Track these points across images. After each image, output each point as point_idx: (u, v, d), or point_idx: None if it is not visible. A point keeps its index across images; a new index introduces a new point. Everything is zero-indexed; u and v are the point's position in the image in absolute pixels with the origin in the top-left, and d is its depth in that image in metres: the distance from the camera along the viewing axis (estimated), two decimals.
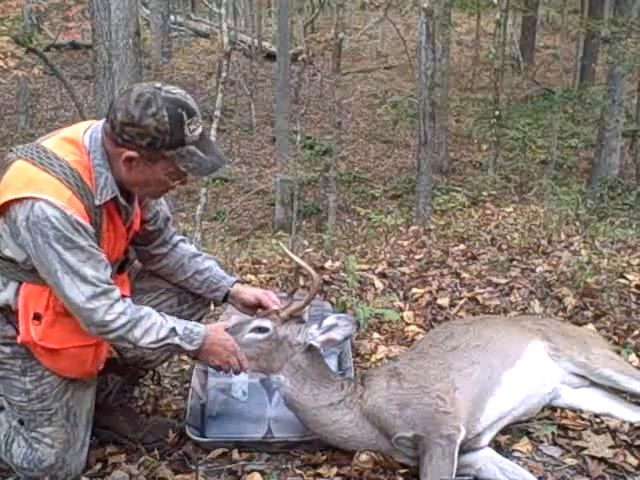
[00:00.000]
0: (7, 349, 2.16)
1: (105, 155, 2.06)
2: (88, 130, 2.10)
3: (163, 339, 2.12)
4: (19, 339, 2.10)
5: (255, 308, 2.45)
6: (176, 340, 2.14)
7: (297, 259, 2.36)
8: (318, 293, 2.42)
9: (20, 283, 2.09)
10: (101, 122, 2.11)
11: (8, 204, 1.98)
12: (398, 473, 2.23)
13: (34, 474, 2.24)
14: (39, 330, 2.08)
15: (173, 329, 2.13)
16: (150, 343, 2.11)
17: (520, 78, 18.61)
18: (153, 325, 2.10)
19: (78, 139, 2.08)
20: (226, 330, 2.31)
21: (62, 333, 2.09)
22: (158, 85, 2.02)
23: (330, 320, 2.33)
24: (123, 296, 2.11)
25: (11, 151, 2.09)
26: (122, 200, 2.14)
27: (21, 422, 2.25)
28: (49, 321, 2.08)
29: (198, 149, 2.04)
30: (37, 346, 2.10)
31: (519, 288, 4.02)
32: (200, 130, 2.05)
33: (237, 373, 2.31)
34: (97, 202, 2.05)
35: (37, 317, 2.08)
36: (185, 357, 2.99)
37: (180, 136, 1.99)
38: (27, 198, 1.94)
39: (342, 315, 2.41)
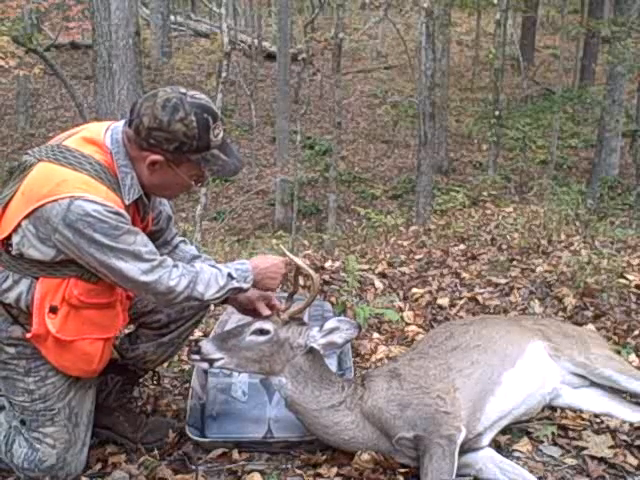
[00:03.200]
0: (11, 349, 2.17)
1: (128, 155, 2.08)
2: (108, 131, 2.11)
3: (224, 286, 2.20)
4: (31, 332, 2.10)
5: (252, 311, 2.45)
6: (234, 284, 2.22)
7: (297, 260, 2.36)
8: (318, 294, 2.41)
9: (35, 278, 2.09)
10: (119, 123, 2.13)
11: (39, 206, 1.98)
12: (398, 473, 2.23)
13: (35, 474, 2.24)
14: (56, 322, 2.08)
15: (229, 275, 2.21)
16: (214, 294, 2.18)
17: (520, 78, 18.60)
18: (211, 276, 2.18)
19: (99, 139, 2.09)
20: (224, 335, 2.34)
21: (76, 325, 2.11)
22: (183, 90, 2.05)
23: (332, 323, 2.33)
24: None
25: (27, 154, 2.09)
26: (145, 199, 2.18)
27: (22, 422, 2.26)
28: (64, 313, 2.09)
29: (221, 152, 2.09)
30: (49, 338, 2.10)
31: (519, 288, 4.02)
32: (222, 134, 2.09)
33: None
34: (126, 202, 2.08)
35: (53, 310, 2.08)
36: (185, 357, 2.99)
37: (206, 140, 2.04)
38: (63, 198, 1.95)
39: (344, 319, 2.41)
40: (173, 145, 2.01)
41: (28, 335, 2.11)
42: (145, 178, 2.10)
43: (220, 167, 2.10)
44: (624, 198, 11.90)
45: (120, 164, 2.07)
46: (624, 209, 10.84)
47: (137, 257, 2.03)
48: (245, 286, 2.25)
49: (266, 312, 2.38)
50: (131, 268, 2.03)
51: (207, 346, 2.27)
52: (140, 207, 2.20)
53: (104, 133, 2.11)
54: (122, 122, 2.12)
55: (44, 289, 2.08)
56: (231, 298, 2.47)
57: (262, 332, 2.30)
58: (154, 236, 2.40)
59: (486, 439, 2.31)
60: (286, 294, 2.50)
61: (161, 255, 2.42)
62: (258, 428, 2.49)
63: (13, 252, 2.07)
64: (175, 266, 2.13)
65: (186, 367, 3.13)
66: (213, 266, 2.24)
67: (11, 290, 2.11)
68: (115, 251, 2.00)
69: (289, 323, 2.34)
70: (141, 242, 2.06)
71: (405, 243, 5.69)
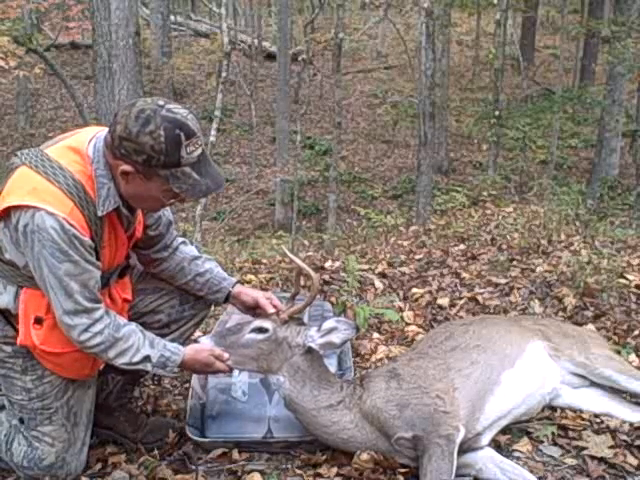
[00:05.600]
0: (8, 348, 2.17)
1: (107, 165, 2.06)
2: (93, 140, 2.09)
3: (135, 363, 2.15)
4: (18, 341, 2.11)
5: (255, 309, 2.46)
6: (148, 367, 2.17)
7: (297, 260, 2.36)
8: (318, 294, 2.41)
9: (20, 287, 2.10)
10: (106, 130, 2.10)
11: (9, 209, 1.99)
12: (398, 473, 2.23)
13: (34, 473, 2.25)
14: (40, 334, 2.09)
15: (147, 357, 2.15)
16: (122, 364, 2.14)
17: (520, 78, 18.61)
18: (129, 348, 2.13)
19: (83, 148, 2.07)
20: (224, 332, 2.34)
21: (63, 337, 2.10)
22: (161, 103, 2.00)
23: (330, 323, 2.33)
24: (108, 312, 2.11)
25: (15, 155, 2.09)
26: (124, 210, 2.14)
27: (22, 421, 2.26)
28: (50, 325, 2.09)
29: (194, 171, 2.02)
30: (37, 349, 2.12)
31: (519, 288, 4.02)
32: (199, 152, 2.02)
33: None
34: (99, 213, 2.05)
35: (38, 321, 2.09)
36: None
37: (176, 157, 1.98)
38: (29, 206, 1.95)
39: (342, 319, 2.42)
40: (141, 157, 1.96)
41: (17, 342, 2.12)
42: (122, 187, 2.07)
43: (190, 186, 2.02)
44: (624, 198, 11.90)
45: (98, 174, 2.05)
46: (624, 209, 10.84)
47: (66, 293, 2.00)
48: (161, 372, 2.21)
49: (270, 310, 2.38)
50: (55, 301, 2.01)
51: (206, 342, 2.28)
52: (123, 218, 2.17)
53: (88, 142, 2.08)
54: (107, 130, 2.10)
55: (27, 299, 2.09)
56: (233, 297, 2.49)
57: (261, 330, 2.31)
58: (153, 241, 2.40)
59: (486, 439, 2.31)
60: (287, 294, 2.50)
61: (164, 253, 2.41)
62: (258, 428, 2.49)
63: None
64: (101, 320, 2.07)
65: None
66: (143, 338, 2.15)
67: (0, 295, 2.12)
68: (52, 274, 1.97)
69: (288, 322, 2.34)
70: (81, 280, 2.01)
71: (405, 243, 5.69)
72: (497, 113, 12.68)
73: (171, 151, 1.96)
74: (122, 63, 7.94)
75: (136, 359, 2.14)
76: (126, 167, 2.00)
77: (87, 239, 2.02)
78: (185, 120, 1.99)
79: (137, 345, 2.14)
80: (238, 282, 2.53)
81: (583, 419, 2.54)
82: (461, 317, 3.68)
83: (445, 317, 3.71)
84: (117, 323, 2.12)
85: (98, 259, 2.09)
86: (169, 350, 2.19)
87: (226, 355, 2.27)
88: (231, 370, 2.35)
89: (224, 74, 8.97)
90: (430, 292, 4.06)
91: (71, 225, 1.96)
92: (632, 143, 14.75)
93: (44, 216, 1.94)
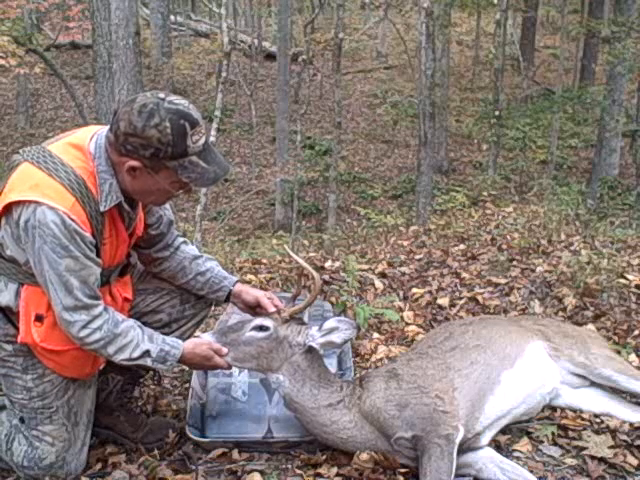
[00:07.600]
0: (9, 347, 2.18)
1: (109, 161, 2.07)
2: (94, 136, 2.10)
3: (135, 359, 2.14)
4: (18, 339, 2.12)
5: (255, 309, 2.46)
6: (148, 361, 2.16)
7: (300, 260, 2.37)
8: (318, 294, 2.42)
9: (21, 285, 2.10)
10: (106, 128, 2.11)
11: (11, 205, 1.99)
12: (398, 473, 2.23)
13: (34, 472, 2.24)
14: (41, 331, 2.09)
15: (147, 351, 2.15)
16: (122, 360, 2.14)
17: (520, 78, 18.61)
18: (129, 343, 2.12)
19: (84, 145, 2.08)
20: (225, 329, 2.33)
21: (64, 335, 2.10)
22: (162, 95, 2.01)
23: (331, 323, 2.33)
24: (106, 308, 2.11)
25: (17, 153, 2.10)
26: (126, 206, 2.15)
27: (22, 420, 2.26)
28: (51, 323, 2.09)
29: (200, 159, 2.04)
30: (38, 346, 2.12)
31: (519, 288, 4.02)
32: (203, 140, 2.04)
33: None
34: (102, 208, 2.06)
35: (39, 319, 2.09)
36: None
37: (183, 147, 1.99)
38: (31, 201, 1.95)
39: (343, 319, 2.42)
40: (149, 151, 1.98)
41: (18, 339, 2.12)
42: (128, 184, 2.08)
43: (199, 175, 2.04)
44: (624, 198, 11.92)
45: (100, 170, 2.05)
46: (624, 209, 10.86)
47: (66, 289, 2.00)
48: (160, 367, 2.21)
49: (271, 309, 2.38)
50: (54, 297, 2.01)
51: (208, 338, 2.29)
52: (124, 214, 2.18)
53: (90, 138, 2.09)
54: (108, 127, 2.11)
55: (28, 297, 2.09)
56: (234, 296, 2.49)
57: (262, 328, 2.31)
58: (154, 240, 2.40)
59: (485, 439, 2.31)
60: (288, 295, 2.50)
61: (162, 254, 2.41)
62: (258, 428, 2.49)
63: None
64: (100, 317, 2.07)
65: (186, 367, 3.12)
66: (142, 333, 2.15)
67: (1, 293, 2.12)
68: (52, 270, 1.97)
69: (289, 322, 2.35)
70: (81, 276, 2.01)
71: (405, 243, 5.69)
72: (497, 113, 12.68)
73: (178, 142, 1.98)
74: (122, 63, 7.96)
75: (136, 354, 2.13)
76: (133, 163, 2.01)
77: (88, 235, 2.02)
78: (188, 110, 2.01)
79: (136, 340, 2.13)
80: (239, 281, 2.54)
81: (583, 419, 2.54)
82: (461, 317, 3.68)
83: (445, 317, 3.71)
84: (116, 319, 2.12)
85: (98, 256, 2.09)
86: (168, 344, 2.20)
87: (225, 350, 2.27)
88: (230, 366, 2.35)
89: (224, 74, 8.97)
90: (430, 292, 4.06)
91: (72, 220, 1.97)
92: (632, 143, 14.76)
93: (45, 211, 1.94)
